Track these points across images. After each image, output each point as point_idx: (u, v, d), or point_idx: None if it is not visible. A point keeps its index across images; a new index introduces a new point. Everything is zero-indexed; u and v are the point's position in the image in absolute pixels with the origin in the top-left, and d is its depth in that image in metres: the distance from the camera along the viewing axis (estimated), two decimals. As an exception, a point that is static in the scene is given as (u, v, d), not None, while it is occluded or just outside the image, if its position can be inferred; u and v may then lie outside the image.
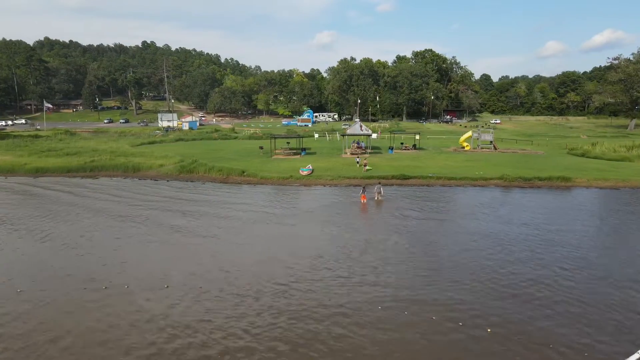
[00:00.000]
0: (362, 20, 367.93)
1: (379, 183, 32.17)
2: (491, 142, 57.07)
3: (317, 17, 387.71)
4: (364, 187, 31.09)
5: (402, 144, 58.98)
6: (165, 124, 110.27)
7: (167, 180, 39.25)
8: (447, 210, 28.32)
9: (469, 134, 58.11)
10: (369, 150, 52.89)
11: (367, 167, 41.27)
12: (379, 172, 39.48)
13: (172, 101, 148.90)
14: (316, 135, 75.16)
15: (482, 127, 61.26)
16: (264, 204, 30.09)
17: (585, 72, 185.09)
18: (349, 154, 52.41)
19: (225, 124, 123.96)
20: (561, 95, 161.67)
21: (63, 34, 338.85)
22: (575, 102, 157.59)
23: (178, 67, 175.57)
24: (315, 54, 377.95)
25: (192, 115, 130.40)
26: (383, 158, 48.72)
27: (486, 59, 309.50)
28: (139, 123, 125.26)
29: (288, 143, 58.40)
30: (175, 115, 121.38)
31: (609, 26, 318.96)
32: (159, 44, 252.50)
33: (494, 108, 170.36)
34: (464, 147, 57.43)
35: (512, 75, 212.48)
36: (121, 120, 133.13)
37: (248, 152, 54.94)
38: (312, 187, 36.12)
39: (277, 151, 53.57)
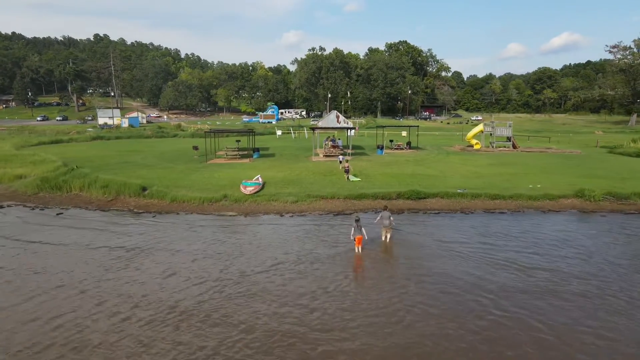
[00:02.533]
0: (329, 20, 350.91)
1: (386, 208, 15.94)
2: (509, 138, 42.06)
3: (284, 17, 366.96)
4: (357, 220, 14.76)
5: (391, 141, 43.05)
6: (103, 120, 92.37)
7: (2, 207, 21.45)
8: (563, 283, 12.15)
9: (480, 128, 42.84)
10: (348, 151, 36.60)
11: (353, 177, 25.08)
12: (375, 186, 23.19)
13: (112, 95, 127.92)
14: (279, 133, 58.33)
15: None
16: (140, 266, 13.12)
17: (555, 70, 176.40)
18: (321, 156, 36.00)
19: (179, 121, 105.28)
20: (537, 92, 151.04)
21: (16, 30, 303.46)
22: (552, 99, 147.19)
23: (126, 58, 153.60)
24: (283, 53, 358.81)
25: (137, 111, 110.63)
26: (373, 162, 32.50)
27: (453, 59, 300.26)
28: (77, 121, 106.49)
29: (238, 142, 41.45)
30: (117, 111, 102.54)
31: (567, 29, 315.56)
32: (115, 38, 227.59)
33: (468, 105, 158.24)
34: (472, 146, 42.23)
35: (479, 75, 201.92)
36: (58, 118, 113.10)
37: (179, 154, 37.58)
38: (260, 218, 19.36)
39: (219, 153, 36.53)
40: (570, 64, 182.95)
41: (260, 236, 16.60)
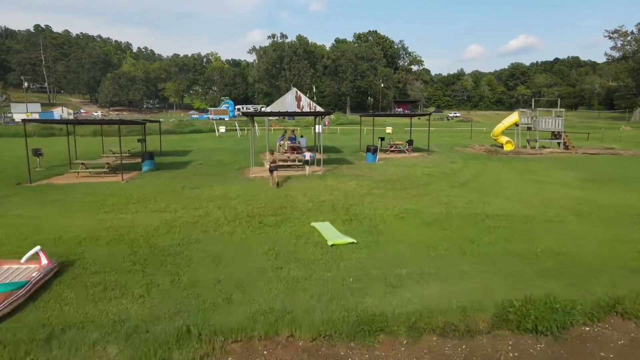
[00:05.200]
0: (294, 20, 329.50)
1: None
2: (556, 135, 27.54)
3: (248, 16, 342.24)
4: None
5: (382, 139, 27.40)
6: (17, 116, 76.75)
7: None
8: None
9: (514, 119, 28.04)
10: (319, 156, 20.57)
11: (337, 235, 9.13)
12: (404, 269, 7.18)
13: (25, 87, 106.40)
14: (221, 129, 41.72)
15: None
16: None
17: (528, 67, 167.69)
18: (267, 166, 19.77)
19: (117, 118, 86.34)
20: (510, 88, 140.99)
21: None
22: (525, 96, 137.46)
23: (59, 46, 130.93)
24: (247, 53, 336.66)
25: (62, 107, 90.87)
26: (370, 180, 16.53)
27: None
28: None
29: (141, 141, 24.75)
30: (37, 106, 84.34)
31: (523, 32, 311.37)
32: (60, 30, 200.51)
33: (439, 102, 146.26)
34: (502, 145, 27.45)
35: (444, 75, 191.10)
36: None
37: (21, 162, 20.51)
38: None
39: (85, 163, 19.68)
40: (537, 61, 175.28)
41: None
